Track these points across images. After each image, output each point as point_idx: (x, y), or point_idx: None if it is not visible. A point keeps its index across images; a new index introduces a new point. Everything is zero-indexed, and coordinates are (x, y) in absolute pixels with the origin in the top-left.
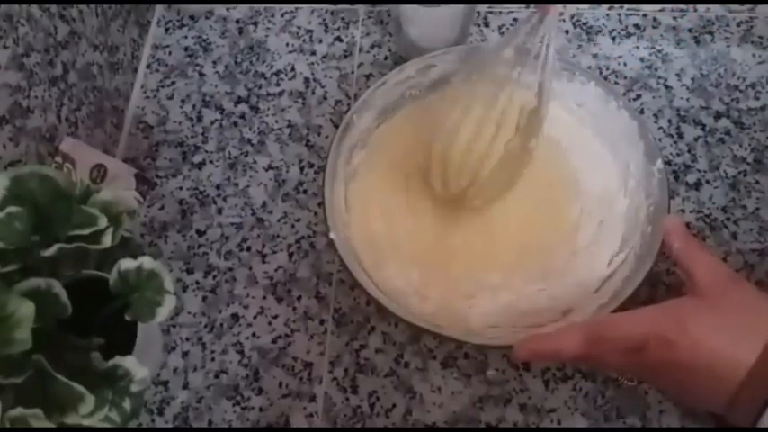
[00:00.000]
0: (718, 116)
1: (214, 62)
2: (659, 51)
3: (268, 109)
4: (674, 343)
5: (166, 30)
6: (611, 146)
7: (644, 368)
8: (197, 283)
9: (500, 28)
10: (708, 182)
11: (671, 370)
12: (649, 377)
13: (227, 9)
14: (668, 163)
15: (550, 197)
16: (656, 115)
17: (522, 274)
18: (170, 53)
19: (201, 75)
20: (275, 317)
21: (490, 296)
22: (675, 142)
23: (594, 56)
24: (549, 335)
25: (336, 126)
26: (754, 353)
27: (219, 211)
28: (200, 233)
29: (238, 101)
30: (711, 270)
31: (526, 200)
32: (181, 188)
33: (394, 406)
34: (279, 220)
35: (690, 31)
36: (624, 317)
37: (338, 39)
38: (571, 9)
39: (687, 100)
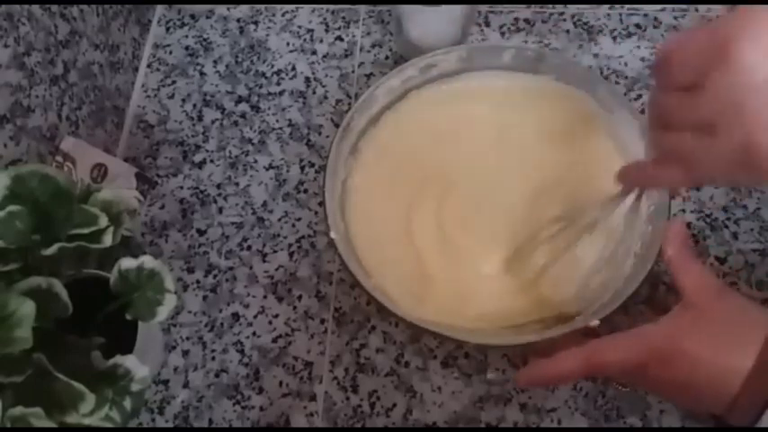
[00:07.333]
0: None
1: (215, 61)
2: None
3: (269, 108)
4: (671, 361)
5: (167, 29)
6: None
7: (645, 383)
8: (197, 282)
9: (500, 27)
10: None
11: (671, 384)
12: (651, 389)
13: (228, 8)
14: None
15: (550, 195)
16: None
17: (523, 272)
18: (171, 52)
19: (202, 74)
20: (276, 316)
21: (490, 294)
22: None
23: (595, 55)
24: (550, 361)
25: (337, 125)
26: (749, 359)
27: (220, 211)
28: (201, 232)
29: (239, 100)
30: (700, 281)
31: (526, 198)
32: (181, 187)
33: (394, 405)
34: (279, 220)
35: None
36: (621, 339)
37: (339, 38)
38: (572, 9)
39: None
